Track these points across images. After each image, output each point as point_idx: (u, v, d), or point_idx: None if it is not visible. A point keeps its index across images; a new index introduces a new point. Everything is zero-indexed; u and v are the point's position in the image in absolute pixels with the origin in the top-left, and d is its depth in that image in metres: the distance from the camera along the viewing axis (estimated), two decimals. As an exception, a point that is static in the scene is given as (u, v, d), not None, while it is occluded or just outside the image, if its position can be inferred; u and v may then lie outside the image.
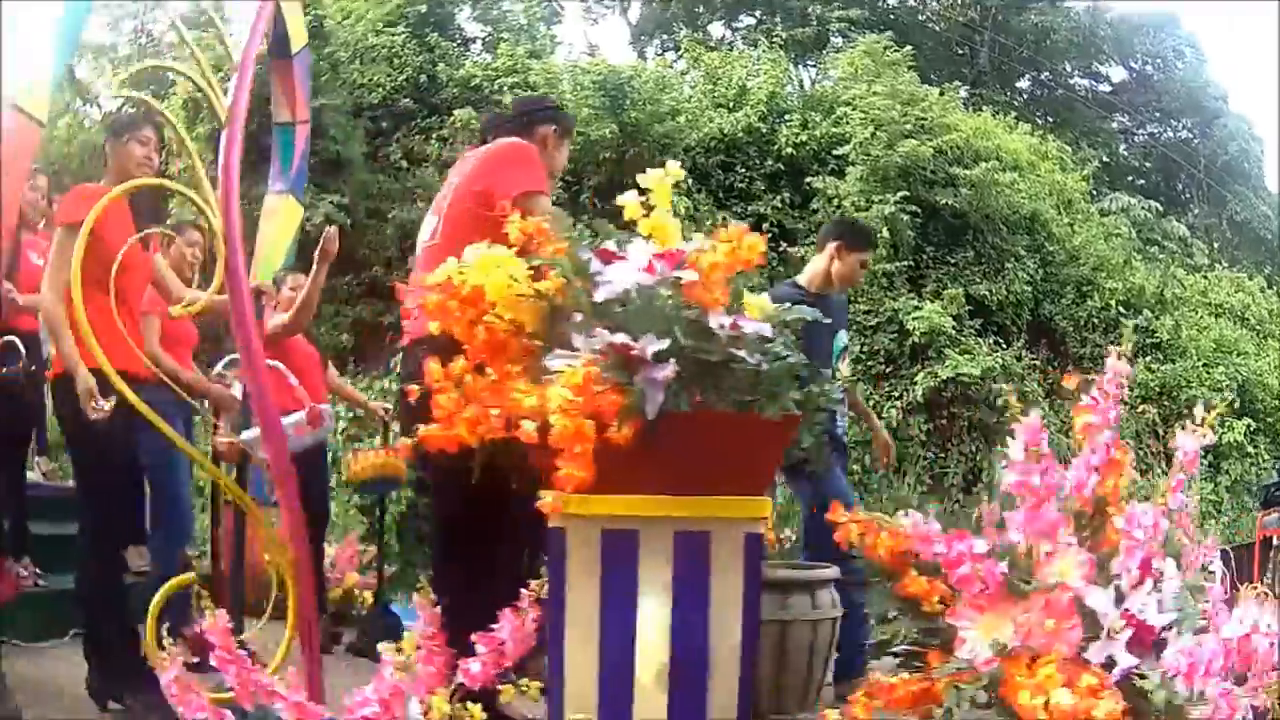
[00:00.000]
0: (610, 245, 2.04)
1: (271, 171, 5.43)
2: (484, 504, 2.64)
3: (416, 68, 11.16)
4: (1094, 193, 14.69)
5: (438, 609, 2.05)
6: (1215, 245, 20.96)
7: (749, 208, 9.68)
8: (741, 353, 1.90)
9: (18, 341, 3.80)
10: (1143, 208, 15.60)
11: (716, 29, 18.60)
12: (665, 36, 18.78)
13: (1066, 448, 2.14)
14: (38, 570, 4.03)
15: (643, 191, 2.08)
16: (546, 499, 1.92)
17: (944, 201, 10.70)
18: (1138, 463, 10.04)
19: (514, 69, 10.76)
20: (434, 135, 10.58)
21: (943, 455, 9.68)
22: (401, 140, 10.84)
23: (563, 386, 1.80)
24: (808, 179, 10.10)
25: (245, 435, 3.33)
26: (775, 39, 11.98)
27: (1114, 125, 21.06)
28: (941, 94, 12.23)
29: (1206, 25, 35.03)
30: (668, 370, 1.84)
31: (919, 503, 4.10)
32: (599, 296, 1.95)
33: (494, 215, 2.45)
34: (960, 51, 18.40)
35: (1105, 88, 21.48)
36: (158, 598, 2.35)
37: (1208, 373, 11.11)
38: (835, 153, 10.39)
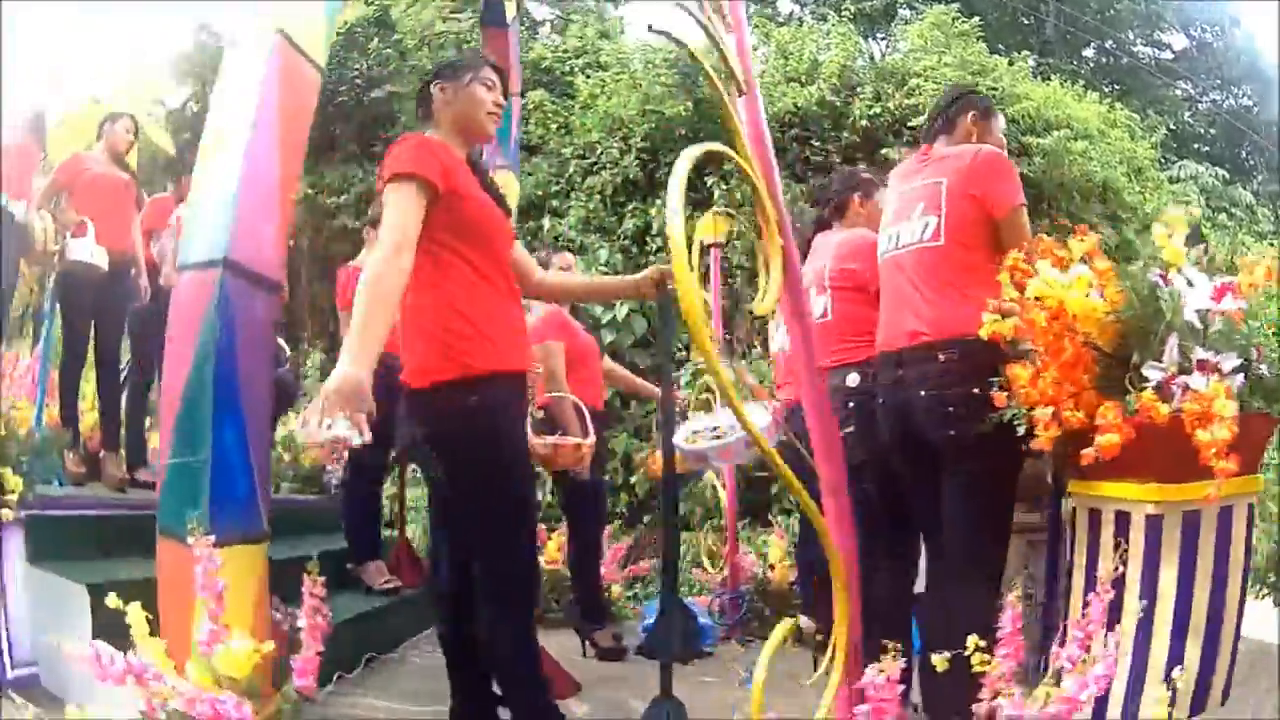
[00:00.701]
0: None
1: (489, 147, 5.32)
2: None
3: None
4: (1162, 160, 14.68)
5: (1020, 607, 2.20)
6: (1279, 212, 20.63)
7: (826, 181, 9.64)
8: (1262, 366, 2.36)
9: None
10: (1210, 175, 15.73)
11: (784, 4, 18.36)
12: (733, 13, 18.47)
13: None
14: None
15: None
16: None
17: (1019, 171, 10.59)
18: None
19: (584, 50, 10.80)
20: (507, 118, 10.63)
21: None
22: (475, 125, 10.85)
23: (1224, 399, 2.15)
24: (883, 150, 10.04)
25: (705, 445, 3.02)
26: (844, 12, 11.90)
27: (1178, 93, 20.74)
28: (1011, 64, 12.10)
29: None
30: (1239, 380, 2.23)
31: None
32: (1179, 316, 2.32)
33: (994, 223, 2.79)
34: (1026, 21, 18.17)
35: (1168, 55, 21.33)
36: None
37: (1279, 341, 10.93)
38: (910, 124, 10.32)
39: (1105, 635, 2.12)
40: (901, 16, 14.63)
